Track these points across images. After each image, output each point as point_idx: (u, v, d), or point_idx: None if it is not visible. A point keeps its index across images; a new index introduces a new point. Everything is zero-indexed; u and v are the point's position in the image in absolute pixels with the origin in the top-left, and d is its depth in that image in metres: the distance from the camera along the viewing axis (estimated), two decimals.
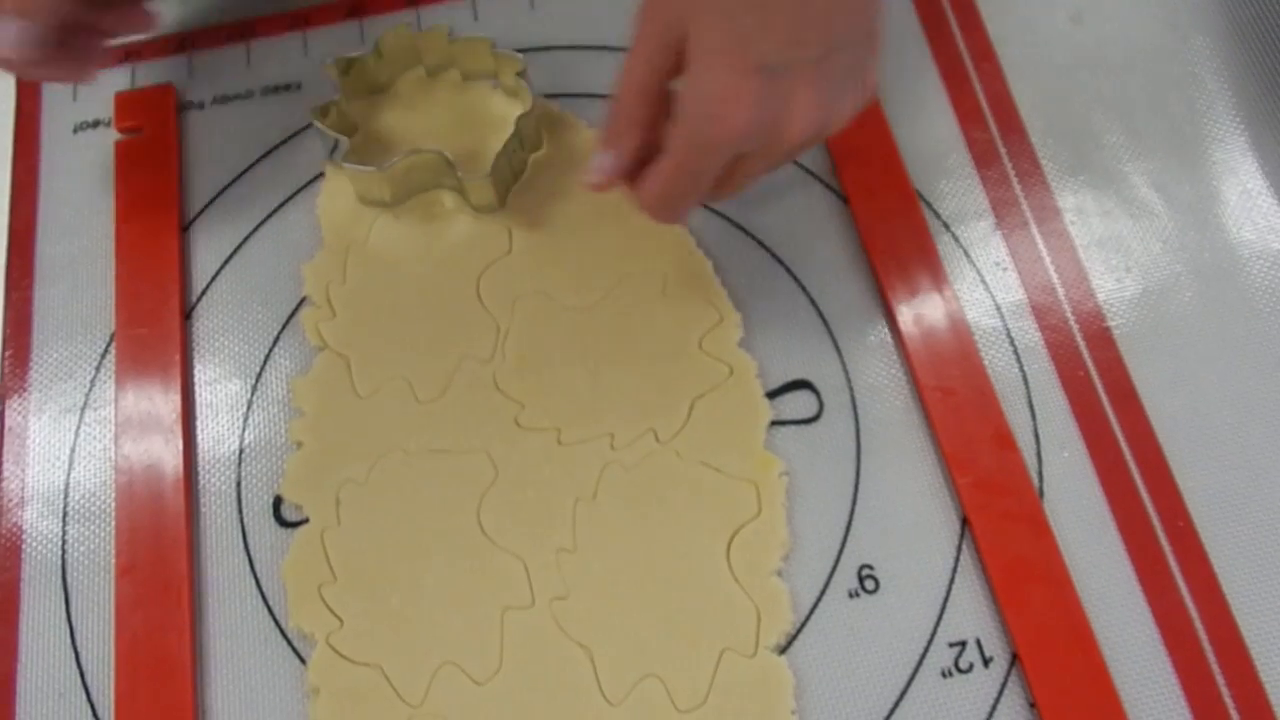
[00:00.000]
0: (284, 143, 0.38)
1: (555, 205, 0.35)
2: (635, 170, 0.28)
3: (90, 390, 0.34)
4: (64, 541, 0.32)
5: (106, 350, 0.35)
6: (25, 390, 0.34)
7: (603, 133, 0.29)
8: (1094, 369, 0.32)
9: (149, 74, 0.40)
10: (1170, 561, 0.30)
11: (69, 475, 0.33)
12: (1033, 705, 0.29)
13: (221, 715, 0.30)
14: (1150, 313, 0.33)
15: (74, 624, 0.31)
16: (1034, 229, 0.35)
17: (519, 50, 0.37)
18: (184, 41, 0.40)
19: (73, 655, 0.31)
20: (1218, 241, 0.34)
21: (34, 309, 0.36)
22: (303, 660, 0.30)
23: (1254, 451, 0.31)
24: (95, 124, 0.39)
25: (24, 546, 0.32)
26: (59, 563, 0.32)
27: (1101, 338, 0.33)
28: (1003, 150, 0.36)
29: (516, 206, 0.35)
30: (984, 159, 0.36)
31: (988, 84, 0.37)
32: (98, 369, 0.34)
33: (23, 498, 0.33)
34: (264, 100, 0.39)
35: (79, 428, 0.34)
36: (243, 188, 0.37)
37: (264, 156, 0.38)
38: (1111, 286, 0.33)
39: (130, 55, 0.40)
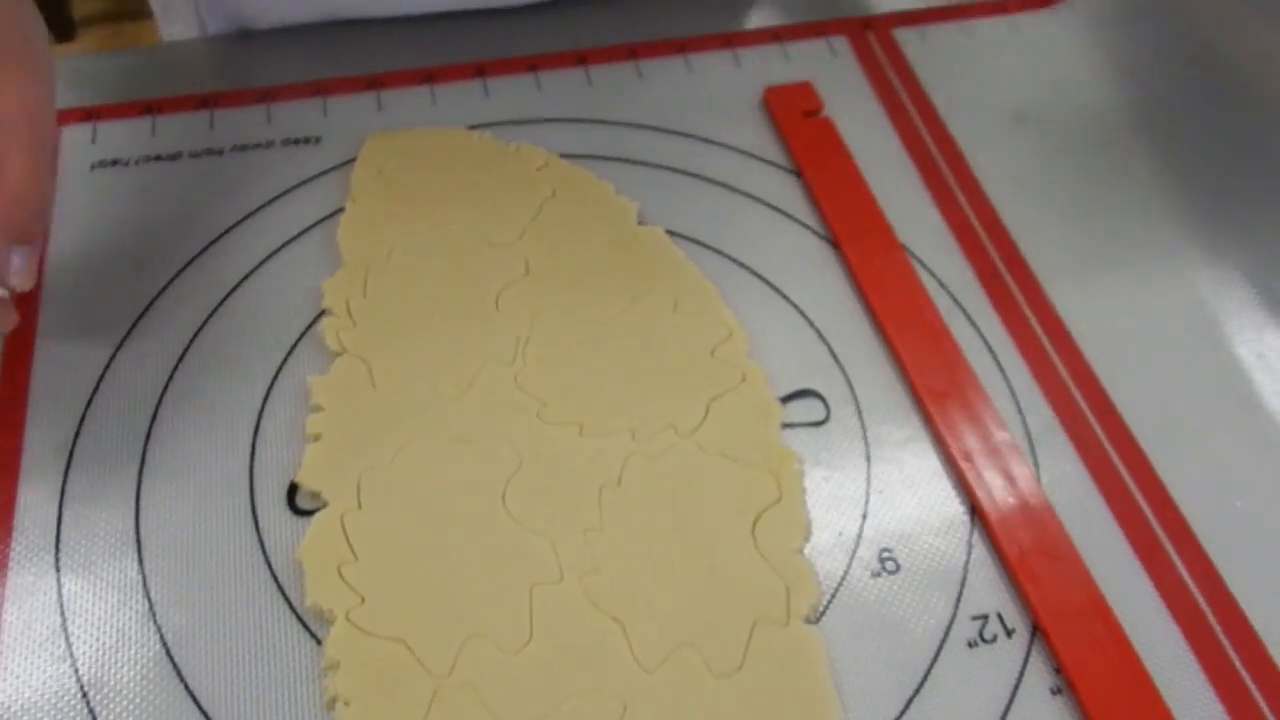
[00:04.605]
0: (301, 185, 0.40)
1: (569, 239, 0.38)
2: None
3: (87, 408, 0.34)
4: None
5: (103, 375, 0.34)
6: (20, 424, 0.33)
7: None
8: (1069, 379, 0.35)
9: (168, 129, 0.41)
10: (1165, 543, 0.32)
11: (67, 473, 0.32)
12: (1058, 671, 0.29)
13: (228, 696, 0.28)
14: (1110, 328, 0.36)
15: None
16: (1002, 268, 0.38)
17: (526, 120, 0.41)
18: (205, 100, 0.42)
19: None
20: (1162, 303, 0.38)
21: (37, 335, 0.35)
22: (319, 641, 0.29)
23: (1221, 441, 0.34)
24: (114, 163, 0.40)
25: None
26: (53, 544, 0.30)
27: (1073, 354, 0.36)
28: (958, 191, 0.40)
29: (533, 237, 0.38)
30: (939, 192, 0.40)
31: (959, 177, 0.41)
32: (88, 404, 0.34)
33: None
34: (284, 150, 0.41)
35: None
36: (259, 221, 0.38)
37: (281, 195, 0.39)
38: (1077, 314, 0.37)
39: (150, 109, 0.42)
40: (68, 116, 0.41)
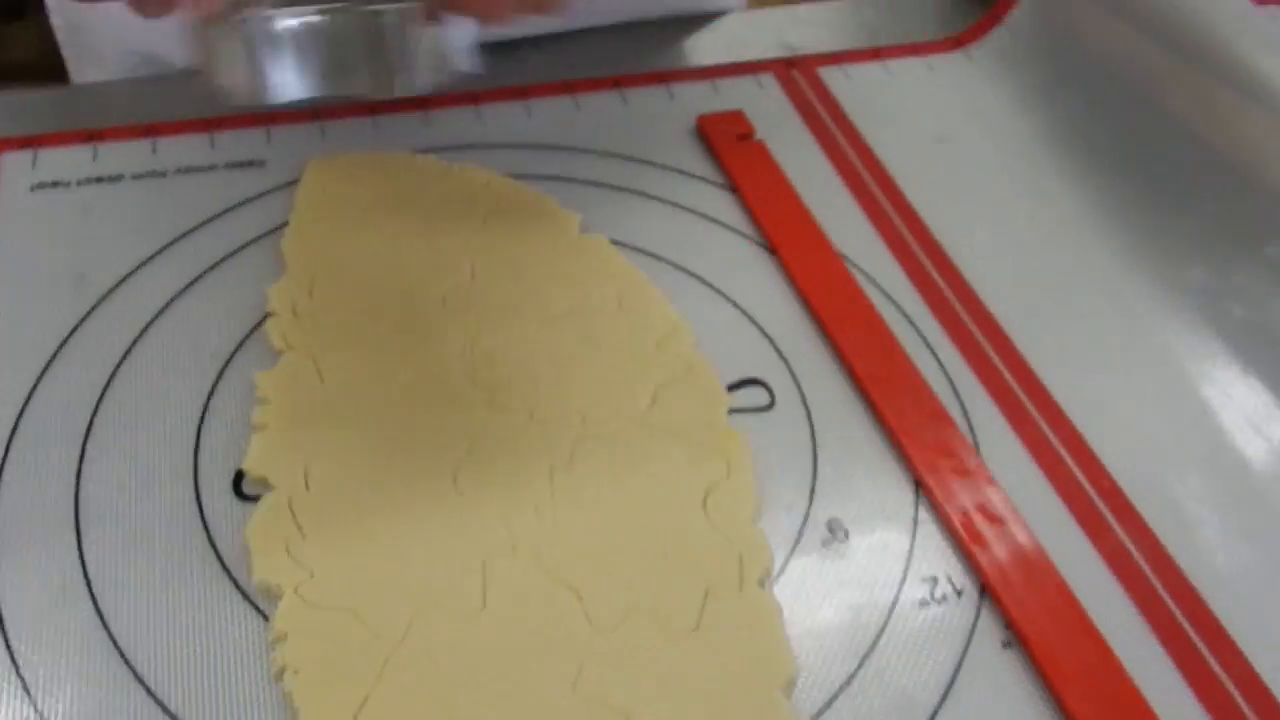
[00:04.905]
0: (245, 203, 0.40)
1: (513, 246, 0.38)
2: None
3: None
4: None
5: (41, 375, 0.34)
6: None
7: None
8: (1001, 363, 0.37)
9: (110, 155, 0.42)
10: (1101, 507, 0.33)
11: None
12: (1008, 626, 0.30)
13: (174, 675, 0.27)
14: (1034, 315, 0.38)
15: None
16: (932, 270, 0.40)
17: (468, 145, 0.42)
18: (148, 130, 0.43)
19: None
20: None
21: None
22: (267, 619, 0.28)
23: (1147, 412, 0.36)
24: (54, 184, 0.40)
25: None
26: None
27: (1004, 343, 0.37)
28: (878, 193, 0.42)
29: (477, 245, 0.38)
30: (868, 206, 0.42)
31: (886, 193, 0.43)
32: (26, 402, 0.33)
33: None
34: (227, 172, 0.41)
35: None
36: (203, 234, 0.39)
37: (224, 212, 0.40)
38: (1003, 306, 0.38)
39: (92, 138, 0.42)
40: (7, 144, 0.41)
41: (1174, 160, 0.42)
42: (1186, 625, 0.30)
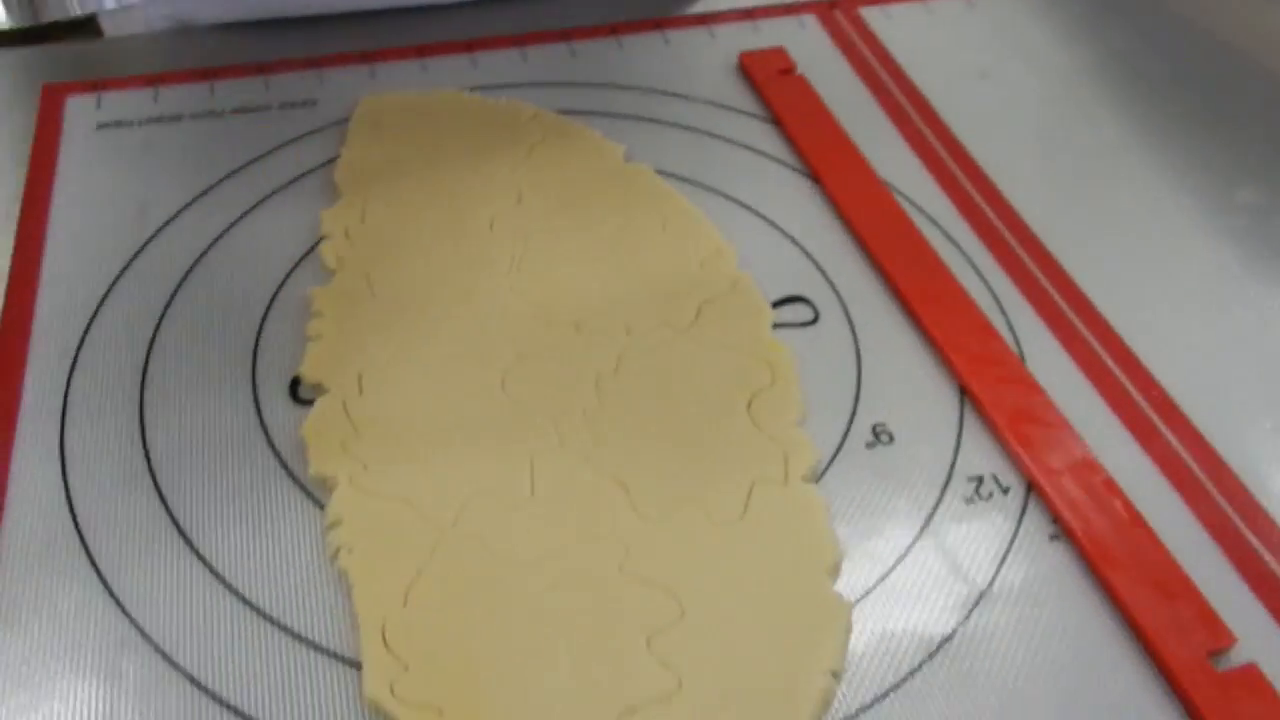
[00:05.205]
0: (300, 138, 0.41)
1: (559, 174, 0.39)
2: None
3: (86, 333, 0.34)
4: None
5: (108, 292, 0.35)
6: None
7: None
8: (1045, 279, 0.37)
9: (170, 97, 0.43)
10: (1154, 419, 0.33)
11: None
12: (1056, 520, 0.30)
13: (237, 560, 0.28)
14: (1077, 233, 0.38)
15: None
16: (976, 196, 0.40)
17: (513, 83, 0.43)
18: (205, 74, 0.44)
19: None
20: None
21: (43, 262, 0.36)
22: (322, 508, 0.29)
23: (1190, 316, 0.35)
24: (118, 124, 0.41)
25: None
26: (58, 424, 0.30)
27: (1047, 260, 0.37)
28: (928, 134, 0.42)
29: (524, 173, 0.39)
30: (911, 137, 0.42)
31: (930, 124, 0.44)
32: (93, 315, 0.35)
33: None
34: (281, 112, 0.42)
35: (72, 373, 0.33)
36: (259, 167, 0.40)
37: (280, 147, 0.41)
38: (1049, 229, 0.38)
39: (153, 81, 0.43)
40: (72, 88, 0.43)
41: (1219, 82, 0.42)
42: (1240, 523, 0.30)
